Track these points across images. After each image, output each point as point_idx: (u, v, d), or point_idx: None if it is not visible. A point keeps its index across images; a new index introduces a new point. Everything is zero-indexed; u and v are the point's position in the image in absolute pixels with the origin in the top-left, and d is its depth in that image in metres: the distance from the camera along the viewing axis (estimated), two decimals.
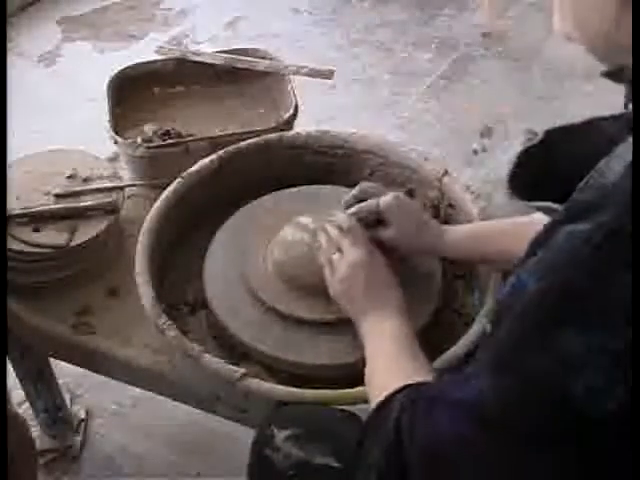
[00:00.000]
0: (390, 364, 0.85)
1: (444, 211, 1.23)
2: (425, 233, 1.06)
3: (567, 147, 0.83)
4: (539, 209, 0.78)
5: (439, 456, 0.65)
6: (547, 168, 0.83)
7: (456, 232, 1.07)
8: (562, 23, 0.66)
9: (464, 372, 0.67)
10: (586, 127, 0.82)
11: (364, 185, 1.10)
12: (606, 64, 0.67)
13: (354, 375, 0.95)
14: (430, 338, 1.00)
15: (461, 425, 0.63)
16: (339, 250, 1.01)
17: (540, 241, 0.64)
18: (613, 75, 0.66)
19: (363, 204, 1.07)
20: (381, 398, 0.75)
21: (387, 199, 1.06)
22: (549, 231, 0.63)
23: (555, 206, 0.73)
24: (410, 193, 1.27)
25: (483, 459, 0.62)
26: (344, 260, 1.00)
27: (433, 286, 1.11)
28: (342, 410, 0.92)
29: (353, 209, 1.07)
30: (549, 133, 0.89)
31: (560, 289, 0.58)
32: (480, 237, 1.06)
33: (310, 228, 1.10)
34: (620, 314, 0.54)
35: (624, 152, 0.63)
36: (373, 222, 1.06)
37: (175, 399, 1.15)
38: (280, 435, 0.86)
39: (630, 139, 0.63)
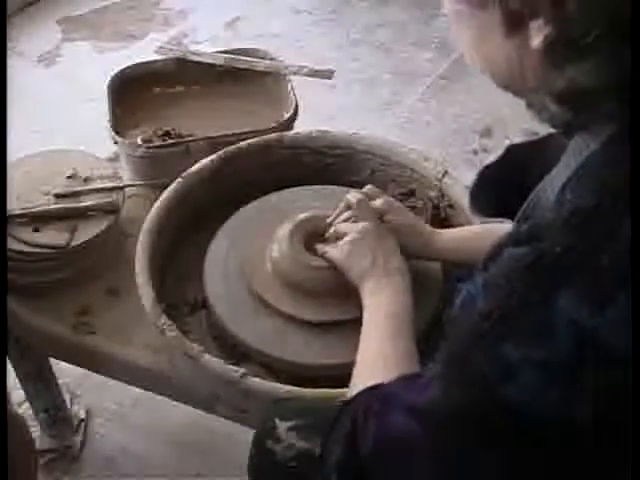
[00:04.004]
0: (375, 351, 0.86)
1: (444, 211, 1.23)
2: (415, 238, 1.06)
3: (527, 162, 0.85)
4: None
5: (390, 457, 0.68)
6: (508, 183, 0.86)
7: (444, 236, 1.08)
8: (472, 62, 0.69)
9: (417, 375, 0.72)
10: (546, 141, 0.84)
11: (360, 191, 1.10)
12: (522, 99, 0.70)
13: None
14: (430, 338, 1.00)
15: (412, 427, 0.66)
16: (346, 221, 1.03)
17: (491, 258, 0.67)
18: (530, 108, 0.69)
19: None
20: (348, 395, 0.78)
21: (377, 204, 1.06)
22: (497, 250, 0.67)
23: (510, 223, 0.77)
24: (410, 193, 1.27)
25: (432, 460, 0.65)
26: (351, 227, 1.02)
27: (433, 285, 1.11)
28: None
29: (346, 214, 1.07)
30: (509, 149, 0.91)
31: (500, 307, 0.62)
32: (465, 240, 1.07)
33: (309, 227, 1.10)
34: (552, 331, 0.58)
35: (557, 177, 0.67)
36: None
37: (175, 399, 1.15)
38: (282, 426, 0.86)
39: (562, 161, 0.67)
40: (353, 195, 1.06)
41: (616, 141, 0.61)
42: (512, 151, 0.92)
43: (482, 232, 1.05)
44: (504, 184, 0.88)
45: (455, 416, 0.63)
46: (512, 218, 0.77)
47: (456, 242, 1.07)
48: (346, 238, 1.01)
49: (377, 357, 0.85)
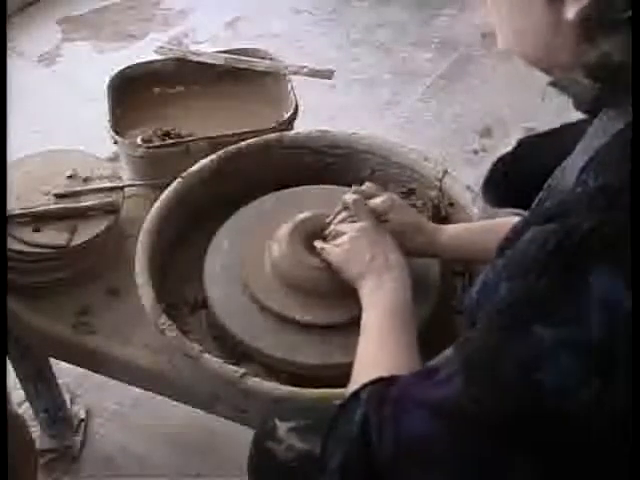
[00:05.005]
0: (377, 346, 0.85)
1: (444, 210, 1.23)
2: (418, 235, 1.06)
3: (538, 154, 0.85)
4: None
5: (411, 457, 0.64)
6: (519, 175, 0.85)
7: (447, 232, 1.08)
8: (504, 41, 0.69)
9: (431, 370, 0.66)
10: (555, 134, 0.84)
11: (360, 187, 1.10)
12: (551, 76, 0.69)
13: None
14: (428, 335, 0.99)
15: (431, 425, 0.62)
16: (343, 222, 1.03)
17: (508, 243, 0.66)
18: (557, 85, 0.68)
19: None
20: (346, 395, 0.74)
21: (378, 202, 1.06)
22: (516, 233, 0.65)
23: (523, 212, 0.74)
24: (410, 193, 1.27)
25: (455, 458, 0.62)
26: (349, 227, 1.02)
27: (431, 283, 1.11)
28: None
29: (344, 214, 1.07)
30: (521, 142, 0.92)
31: (524, 291, 0.59)
32: (468, 237, 1.06)
33: (309, 227, 1.10)
34: (588, 311, 0.55)
35: (576, 159, 0.66)
36: None
37: (175, 399, 1.15)
38: (283, 427, 0.86)
39: (582, 144, 0.66)
40: (350, 196, 1.06)
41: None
42: (524, 143, 0.92)
43: (488, 226, 1.04)
44: (517, 175, 0.88)
45: (480, 414, 0.59)
46: (525, 208, 0.76)
47: (460, 238, 1.07)
48: (344, 237, 1.01)
49: (379, 352, 0.85)
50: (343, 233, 1.03)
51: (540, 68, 0.69)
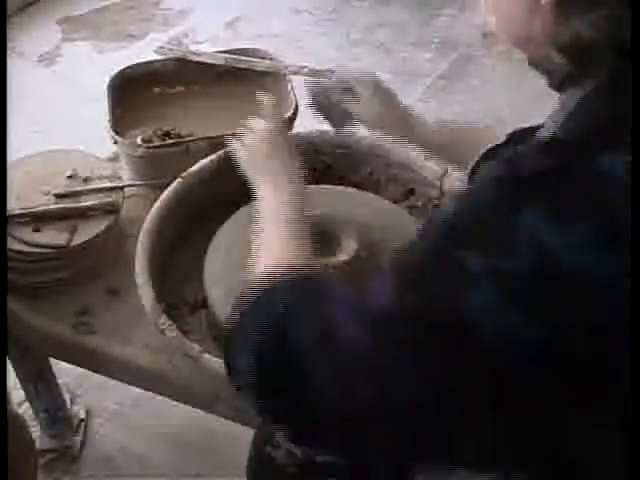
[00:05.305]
0: (275, 238, 0.86)
1: None
2: (393, 114, 1.13)
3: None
4: None
5: (343, 362, 0.62)
6: None
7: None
8: (491, 24, 0.73)
9: (372, 280, 0.66)
10: None
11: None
12: (530, 55, 0.72)
13: None
14: None
15: (365, 333, 0.62)
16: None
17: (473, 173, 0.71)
18: (533, 64, 0.72)
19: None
20: (268, 280, 0.73)
21: (365, 77, 1.13)
22: (481, 161, 0.71)
23: None
24: (410, 193, 1.27)
25: (384, 369, 0.62)
26: (254, 128, 1.07)
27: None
28: None
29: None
30: (512, 134, 0.93)
31: (470, 216, 0.62)
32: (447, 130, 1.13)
33: None
34: (517, 245, 0.57)
35: (542, 133, 0.70)
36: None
37: (175, 399, 1.15)
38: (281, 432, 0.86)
39: (550, 117, 0.69)
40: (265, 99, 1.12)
41: (602, 89, 0.63)
42: (515, 135, 0.94)
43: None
44: None
45: (409, 321, 0.61)
46: None
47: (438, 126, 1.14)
48: (245, 138, 1.07)
49: (275, 239, 0.85)
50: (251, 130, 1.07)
51: (521, 47, 0.72)
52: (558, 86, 0.70)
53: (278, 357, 0.64)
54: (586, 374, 0.59)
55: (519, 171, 0.60)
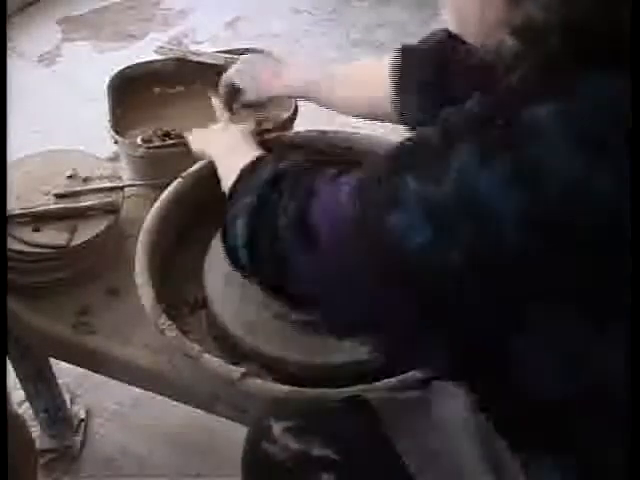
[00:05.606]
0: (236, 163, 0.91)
1: None
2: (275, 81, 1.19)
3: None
4: None
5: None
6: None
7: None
8: (450, 23, 0.78)
9: (342, 176, 0.76)
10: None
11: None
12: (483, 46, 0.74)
13: (355, 374, 0.95)
14: None
15: (329, 225, 0.71)
16: None
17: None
18: (484, 51, 0.73)
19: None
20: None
21: (231, 69, 1.23)
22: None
23: None
24: None
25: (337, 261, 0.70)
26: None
27: None
28: (343, 400, 0.91)
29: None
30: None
31: (415, 142, 0.69)
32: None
33: None
34: (445, 175, 0.62)
35: None
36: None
37: (175, 399, 1.15)
38: (278, 427, 0.86)
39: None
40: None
41: (540, 63, 0.65)
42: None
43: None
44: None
45: (354, 224, 0.68)
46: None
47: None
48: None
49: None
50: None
51: (480, 44, 0.74)
52: (507, 69, 0.71)
53: (265, 221, 0.77)
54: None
55: (462, 112, 0.65)
